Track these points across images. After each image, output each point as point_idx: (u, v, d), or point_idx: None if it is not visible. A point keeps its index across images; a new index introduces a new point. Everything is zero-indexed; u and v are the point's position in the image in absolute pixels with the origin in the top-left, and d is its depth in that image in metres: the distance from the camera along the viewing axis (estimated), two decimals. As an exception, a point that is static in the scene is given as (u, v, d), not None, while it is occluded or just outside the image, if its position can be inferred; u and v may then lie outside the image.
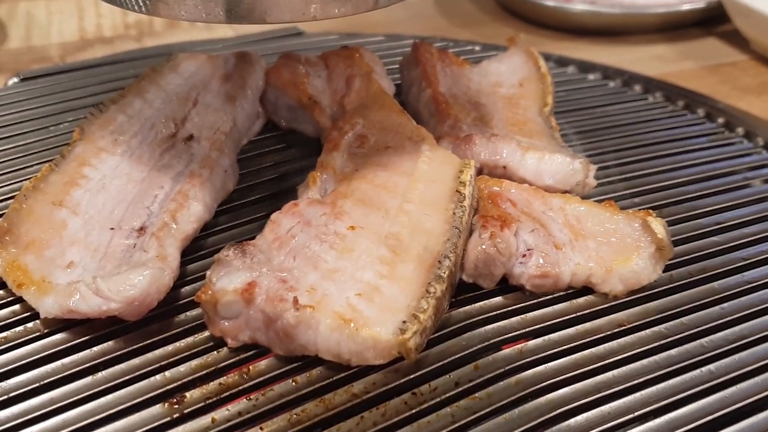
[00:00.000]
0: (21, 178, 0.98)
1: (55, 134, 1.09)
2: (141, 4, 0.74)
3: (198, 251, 0.87)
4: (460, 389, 0.71)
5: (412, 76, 1.16)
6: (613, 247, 0.84)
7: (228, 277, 0.74)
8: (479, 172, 0.93)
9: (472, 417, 0.68)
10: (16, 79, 1.26)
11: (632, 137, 1.14)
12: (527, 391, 0.71)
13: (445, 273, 0.75)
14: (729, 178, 1.05)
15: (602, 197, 0.94)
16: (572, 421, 0.68)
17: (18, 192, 0.87)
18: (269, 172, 1.03)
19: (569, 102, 1.23)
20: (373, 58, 1.14)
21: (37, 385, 0.71)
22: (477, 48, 1.43)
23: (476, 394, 0.70)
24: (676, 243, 0.88)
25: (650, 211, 0.87)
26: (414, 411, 0.69)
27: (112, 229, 0.84)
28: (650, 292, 0.83)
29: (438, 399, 0.70)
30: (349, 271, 0.76)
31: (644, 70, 1.36)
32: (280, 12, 0.73)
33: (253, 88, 1.10)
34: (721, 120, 1.19)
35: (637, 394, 0.71)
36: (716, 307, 0.82)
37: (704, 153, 1.11)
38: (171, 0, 0.72)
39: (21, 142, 1.07)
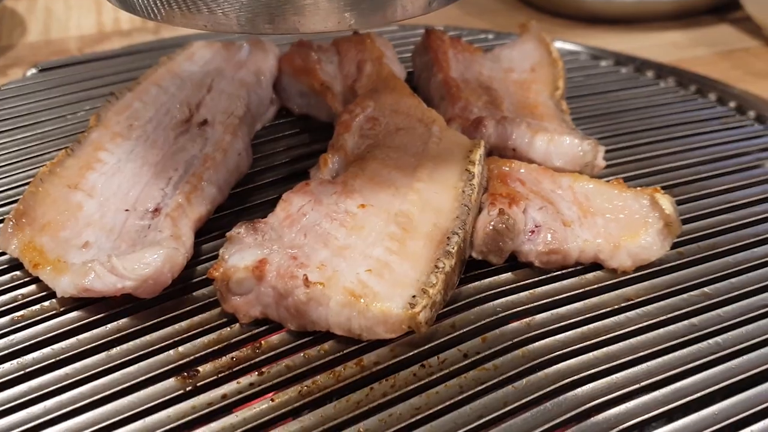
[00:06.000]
0: (38, 165, 0.99)
1: (72, 122, 1.11)
2: (160, 12, 0.71)
3: (211, 231, 0.88)
4: (469, 361, 0.72)
5: (423, 61, 1.16)
6: (621, 224, 0.84)
7: (240, 254, 0.75)
8: (489, 154, 0.94)
9: (481, 387, 0.69)
10: (34, 70, 1.28)
11: (644, 120, 1.15)
12: (535, 362, 0.72)
13: (453, 249, 0.76)
14: (740, 158, 1.06)
15: (612, 177, 0.95)
16: (579, 390, 0.69)
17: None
18: (282, 156, 1.04)
19: (581, 87, 1.24)
20: (384, 43, 1.15)
21: (53, 360, 0.72)
22: (490, 36, 1.44)
23: (484, 366, 0.71)
24: (686, 221, 0.88)
25: (658, 187, 0.88)
26: (423, 382, 0.70)
27: (126, 210, 0.85)
28: (659, 267, 0.84)
29: (446, 371, 0.71)
30: (359, 248, 0.76)
31: (657, 56, 1.36)
32: (315, 22, 0.69)
33: (267, 74, 1.11)
34: (732, 104, 1.20)
35: (644, 365, 0.72)
36: (725, 282, 0.82)
37: (715, 135, 1.11)
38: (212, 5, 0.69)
39: (39, 130, 1.09)
